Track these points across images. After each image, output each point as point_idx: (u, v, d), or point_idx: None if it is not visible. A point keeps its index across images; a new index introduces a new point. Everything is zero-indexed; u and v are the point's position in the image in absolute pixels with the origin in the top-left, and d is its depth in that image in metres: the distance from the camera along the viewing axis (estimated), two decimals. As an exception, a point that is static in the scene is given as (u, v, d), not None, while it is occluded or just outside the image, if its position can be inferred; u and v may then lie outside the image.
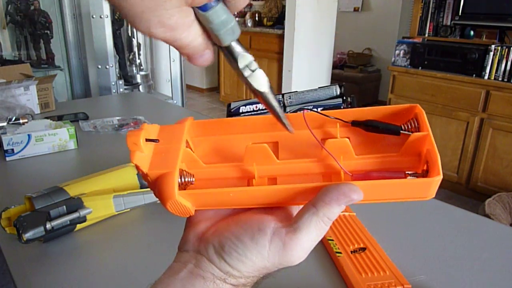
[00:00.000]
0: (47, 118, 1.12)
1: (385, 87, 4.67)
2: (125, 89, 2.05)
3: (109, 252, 0.66)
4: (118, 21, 2.02)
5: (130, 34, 2.15)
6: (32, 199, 0.65)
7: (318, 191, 0.27)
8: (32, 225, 0.61)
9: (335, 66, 4.97)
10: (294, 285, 0.56)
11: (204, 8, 0.22)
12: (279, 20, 4.41)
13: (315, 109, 0.30)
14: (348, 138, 0.30)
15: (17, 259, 0.62)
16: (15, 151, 0.99)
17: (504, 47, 2.40)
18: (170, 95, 2.27)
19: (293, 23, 3.78)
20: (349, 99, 0.32)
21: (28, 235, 0.61)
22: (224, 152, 0.33)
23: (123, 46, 2.10)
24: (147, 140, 0.29)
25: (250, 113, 0.32)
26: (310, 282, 0.57)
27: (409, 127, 0.29)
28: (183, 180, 0.29)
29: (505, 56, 2.39)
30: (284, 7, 4.20)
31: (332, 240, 0.64)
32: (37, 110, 1.37)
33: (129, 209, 0.74)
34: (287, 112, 0.31)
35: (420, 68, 2.77)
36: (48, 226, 0.63)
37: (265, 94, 0.26)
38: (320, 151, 0.30)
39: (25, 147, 1.00)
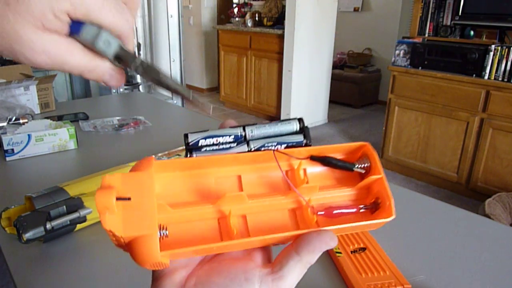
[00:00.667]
0: (47, 118, 1.12)
1: (385, 87, 4.68)
2: (125, 89, 2.05)
3: (109, 252, 0.66)
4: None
5: (130, 34, 2.15)
6: (32, 199, 0.65)
7: (295, 236, 0.29)
8: (32, 225, 0.61)
9: (335, 66, 4.97)
10: (294, 285, 0.56)
11: (74, 31, 0.25)
12: (279, 20, 4.41)
13: (279, 146, 0.33)
14: (305, 169, 0.33)
15: (17, 259, 0.62)
16: (15, 151, 0.99)
17: (504, 47, 2.40)
18: (170, 95, 2.27)
19: (293, 23, 3.78)
20: (304, 130, 0.34)
21: (28, 235, 0.61)
22: (188, 188, 0.32)
23: (123, 46, 2.10)
24: (117, 199, 0.26)
25: (210, 147, 0.33)
26: (310, 282, 0.57)
27: (361, 164, 0.33)
28: (159, 234, 0.28)
29: (505, 56, 2.39)
30: (284, 7, 4.20)
31: (332, 240, 0.64)
32: (37, 110, 1.37)
33: (129, 209, 0.74)
34: (251, 149, 0.33)
35: (420, 68, 2.77)
36: (48, 226, 0.63)
37: (161, 76, 0.28)
38: (282, 182, 0.33)
39: (25, 147, 1.00)
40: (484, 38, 2.68)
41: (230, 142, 0.32)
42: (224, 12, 5.62)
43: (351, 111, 4.99)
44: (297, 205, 0.32)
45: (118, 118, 1.30)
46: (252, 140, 0.33)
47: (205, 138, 0.32)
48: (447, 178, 2.81)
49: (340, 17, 4.51)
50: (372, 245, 0.62)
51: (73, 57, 0.26)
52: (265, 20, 4.51)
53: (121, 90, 2.00)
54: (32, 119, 1.16)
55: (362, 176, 0.33)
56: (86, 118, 1.32)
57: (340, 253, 0.61)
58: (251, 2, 4.92)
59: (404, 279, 0.55)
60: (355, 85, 4.97)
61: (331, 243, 0.29)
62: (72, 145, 1.06)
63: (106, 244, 0.68)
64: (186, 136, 0.33)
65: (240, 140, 0.33)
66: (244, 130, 0.33)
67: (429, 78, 2.72)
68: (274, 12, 4.53)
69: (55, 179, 0.77)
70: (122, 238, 0.26)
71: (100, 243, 0.68)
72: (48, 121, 1.07)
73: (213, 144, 0.32)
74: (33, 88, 1.35)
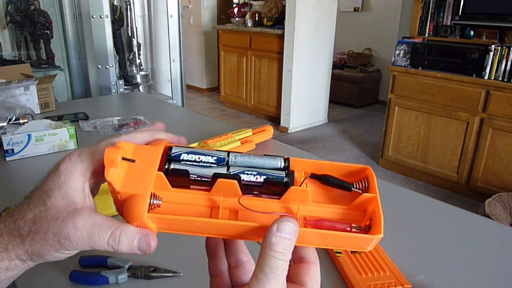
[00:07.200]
0: (47, 118, 1.12)
1: (385, 87, 4.68)
2: (125, 89, 2.05)
3: (108, 252, 0.66)
4: (118, 21, 2.02)
5: (130, 34, 2.15)
6: (32, 199, 0.65)
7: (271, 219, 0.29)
8: (32, 225, 0.61)
9: (335, 66, 4.97)
10: (294, 285, 0.56)
11: None
12: (279, 20, 4.41)
13: (259, 176, 0.32)
14: (306, 184, 0.33)
15: (17, 259, 0.62)
16: (15, 151, 0.99)
17: (504, 47, 2.40)
18: (170, 95, 2.27)
19: (293, 23, 3.78)
20: (287, 170, 0.34)
21: (28, 235, 0.61)
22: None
23: (123, 46, 2.10)
24: (123, 158, 0.29)
25: (191, 162, 0.33)
26: (310, 282, 0.57)
27: (360, 185, 0.33)
28: (151, 202, 0.29)
29: (505, 56, 2.39)
30: (284, 7, 4.20)
31: (332, 240, 0.64)
32: (37, 110, 1.37)
33: (129, 209, 0.74)
34: (229, 173, 0.32)
35: (420, 68, 2.77)
36: (48, 226, 0.63)
37: None
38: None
39: (25, 147, 1.00)
40: (484, 38, 2.68)
41: (211, 163, 0.32)
42: (224, 12, 5.62)
43: (351, 111, 4.99)
44: (289, 211, 0.32)
45: (118, 118, 1.30)
46: (233, 165, 0.32)
47: (187, 153, 0.33)
48: (447, 178, 2.81)
49: (340, 17, 4.51)
50: (372, 245, 0.62)
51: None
52: (265, 20, 4.51)
53: (121, 90, 2.00)
54: (32, 119, 1.16)
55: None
56: (86, 118, 1.32)
57: (340, 253, 0.61)
58: (251, 2, 4.93)
59: (404, 279, 0.55)
60: (355, 85, 4.97)
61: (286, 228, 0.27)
62: (72, 145, 1.06)
63: (106, 244, 0.68)
64: (170, 148, 0.33)
65: (222, 163, 0.33)
66: (228, 155, 0.33)
67: (429, 78, 2.72)
68: (274, 12, 4.53)
69: (55, 179, 0.77)
70: (119, 193, 0.29)
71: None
72: (48, 121, 1.07)
73: (194, 161, 0.33)
74: (33, 88, 1.35)
